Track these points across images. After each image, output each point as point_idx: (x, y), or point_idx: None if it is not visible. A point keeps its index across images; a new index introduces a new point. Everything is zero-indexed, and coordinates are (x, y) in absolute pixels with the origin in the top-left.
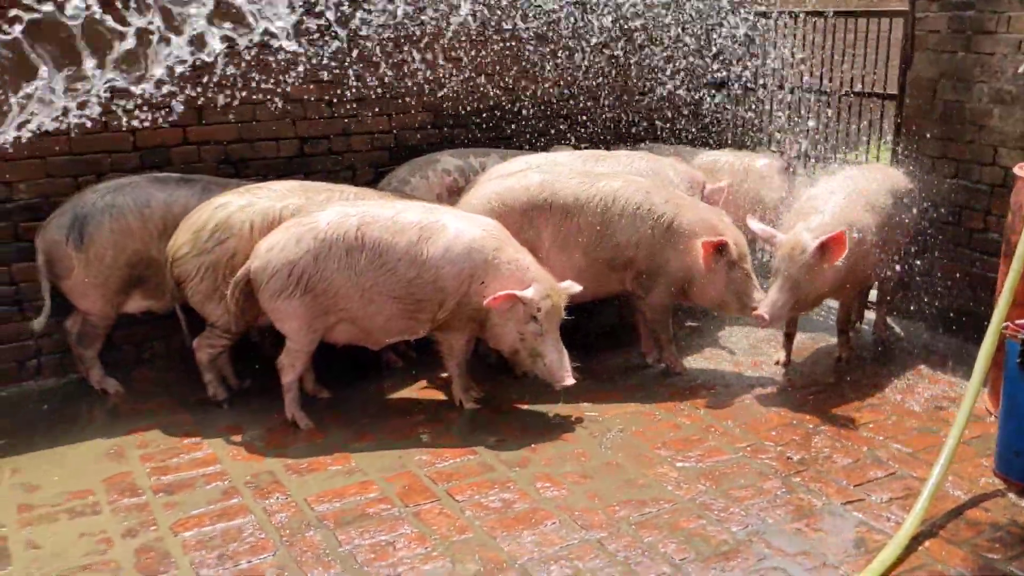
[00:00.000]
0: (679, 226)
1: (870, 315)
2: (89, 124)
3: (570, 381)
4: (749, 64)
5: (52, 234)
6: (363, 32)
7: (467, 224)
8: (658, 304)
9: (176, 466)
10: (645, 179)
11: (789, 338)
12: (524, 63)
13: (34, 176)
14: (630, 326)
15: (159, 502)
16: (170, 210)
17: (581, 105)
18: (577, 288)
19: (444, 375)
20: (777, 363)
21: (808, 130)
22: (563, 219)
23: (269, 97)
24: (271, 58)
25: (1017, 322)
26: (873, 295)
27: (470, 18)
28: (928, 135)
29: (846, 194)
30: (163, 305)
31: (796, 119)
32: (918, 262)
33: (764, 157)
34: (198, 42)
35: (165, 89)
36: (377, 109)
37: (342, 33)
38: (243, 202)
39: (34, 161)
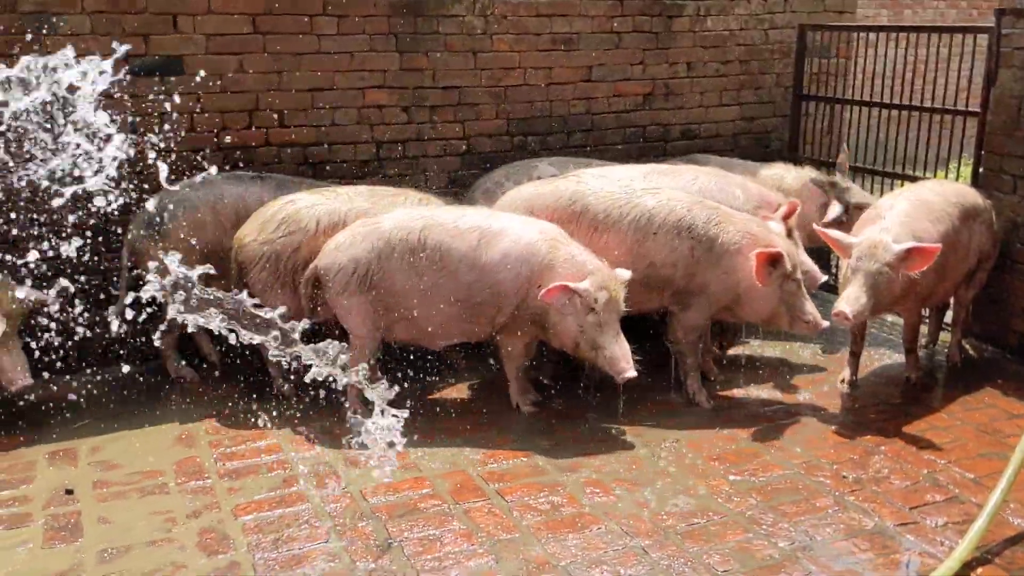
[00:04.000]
0: (724, 244)
1: (945, 336)
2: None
3: (632, 373)
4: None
5: (135, 228)
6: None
7: (524, 228)
8: (692, 324)
9: (241, 453)
10: (689, 195)
11: (855, 356)
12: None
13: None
14: None
15: (223, 486)
16: (242, 205)
17: None
18: (628, 274)
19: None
20: (842, 381)
21: (881, 146)
22: (592, 233)
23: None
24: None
25: None
26: (950, 316)
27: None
28: (1011, 153)
29: (911, 204)
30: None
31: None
32: (995, 283)
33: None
34: None
35: None
36: (450, 116)
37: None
38: (312, 200)
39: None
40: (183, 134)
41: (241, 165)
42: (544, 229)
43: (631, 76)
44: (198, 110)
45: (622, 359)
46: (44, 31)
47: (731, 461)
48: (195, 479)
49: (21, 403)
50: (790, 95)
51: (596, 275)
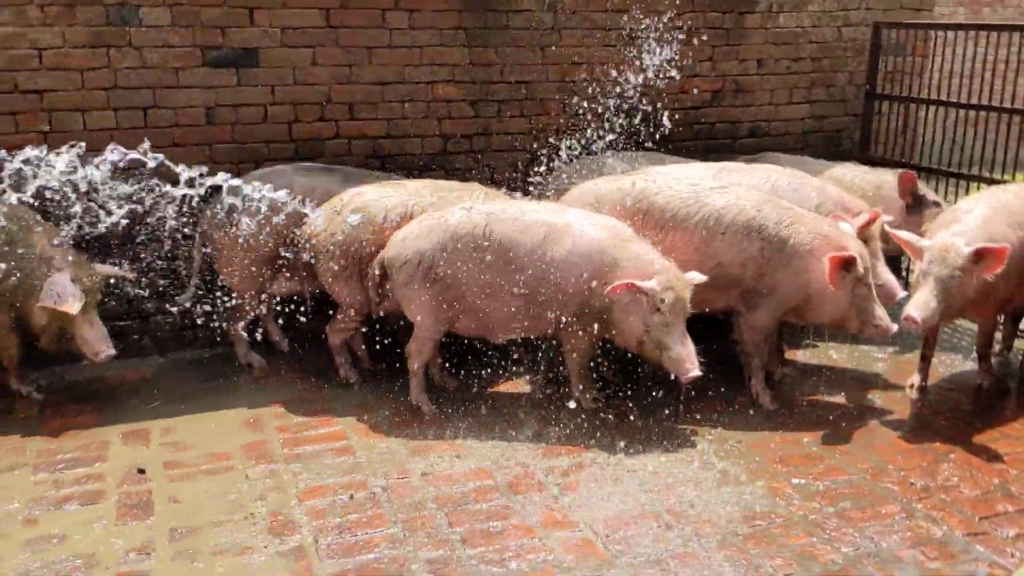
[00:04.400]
0: (795, 245)
1: (1020, 343)
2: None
3: (696, 373)
4: None
5: (209, 217)
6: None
7: (590, 225)
8: (760, 325)
9: (308, 439)
10: (760, 195)
11: (925, 360)
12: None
13: (199, 161)
14: None
15: (289, 470)
16: (311, 196)
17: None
18: (701, 278)
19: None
20: (911, 387)
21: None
22: (659, 231)
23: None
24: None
25: None
26: None
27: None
28: None
29: (990, 207)
30: (307, 288)
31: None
32: None
33: (893, 174)
34: None
35: None
36: (517, 111)
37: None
38: (380, 193)
39: (202, 148)
40: (257, 125)
41: (312, 157)
42: (610, 226)
43: (700, 72)
44: (271, 102)
45: (687, 360)
46: (128, 23)
47: (795, 464)
48: (262, 463)
49: (96, 384)
50: (863, 94)
51: (663, 274)
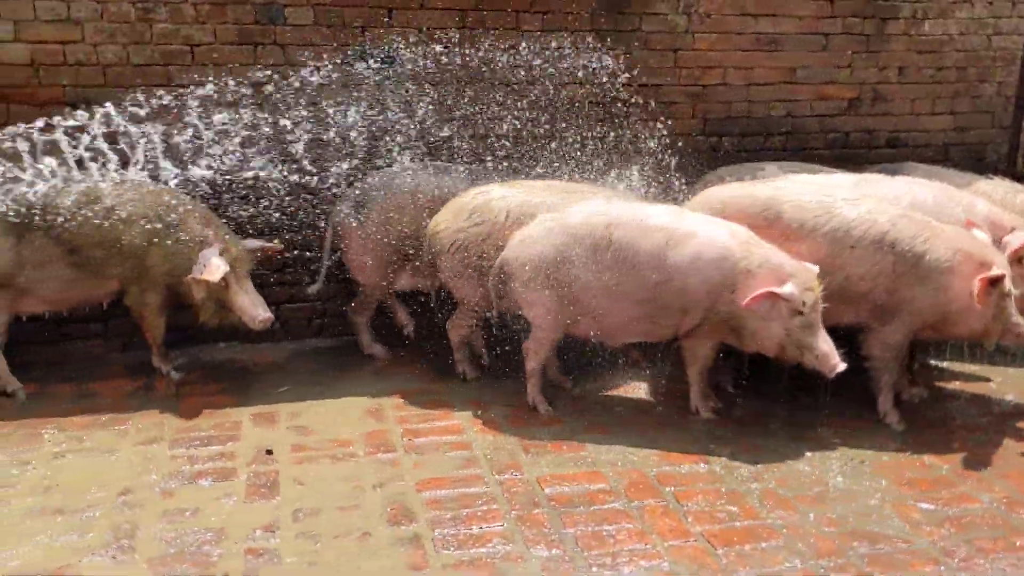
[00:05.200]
0: (932, 261)
1: None
2: None
3: (842, 367)
4: None
5: (340, 210)
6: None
7: (717, 231)
8: (892, 341)
9: (426, 431)
10: (896, 208)
11: None
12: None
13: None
14: None
15: (408, 460)
16: (439, 193)
17: None
18: (816, 269)
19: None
20: None
21: None
22: (784, 241)
23: None
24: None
25: None
26: None
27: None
28: None
29: None
30: (430, 284)
31: None
32: None
33: None
34: None
35: None
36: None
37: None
38: (504, 192)
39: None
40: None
41: (442, 155)
42: (736, 232)
43: (837, 79)
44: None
45: (832, 355)
46: (274, 21)
47: (923, 488)
48: (382, 451)
49: (230, 367)
50: (1012, 106)
51: (798, 277)
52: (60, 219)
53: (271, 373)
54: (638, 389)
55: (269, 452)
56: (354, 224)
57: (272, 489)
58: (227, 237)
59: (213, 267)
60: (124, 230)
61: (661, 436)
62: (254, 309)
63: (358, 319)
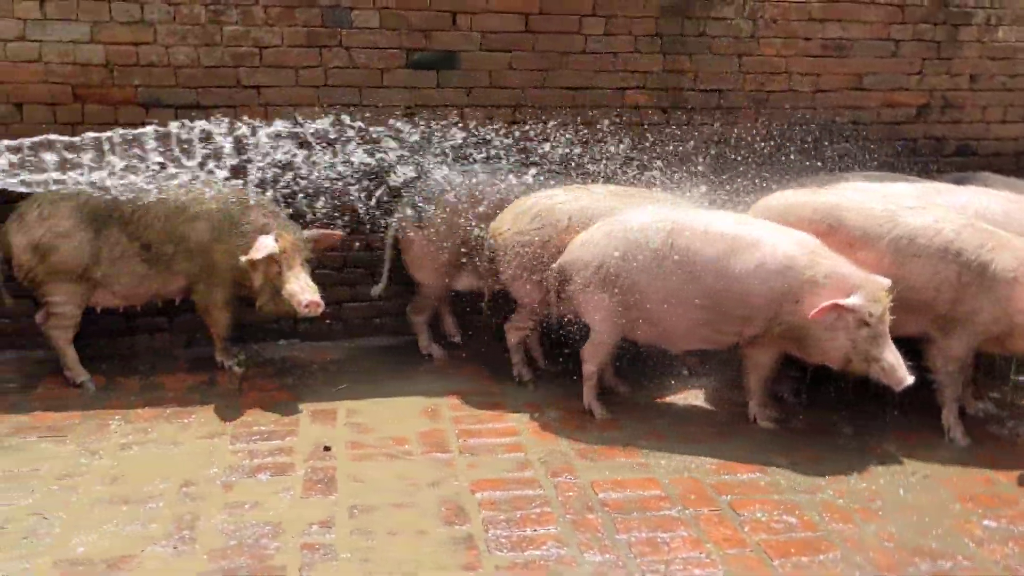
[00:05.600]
0: (998, 271)
1: None
2: None
3: (910, 380)
4: None
5: (401, 212)
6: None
7: (781, 239)
8: (955, 354)
9: (481, 432)
10: (962, 217)
11: None
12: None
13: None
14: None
15: (463, 461)
16: (499, 196)
17: None
18: (887, 281)
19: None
20: None
21: None
22: (846, 249)
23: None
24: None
25: None
26: None
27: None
28: None
29: None
30: (489, 286)
31: None
32: None
33: None
34: None
35: None
36: (709, 120)
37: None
38: (567, 197)
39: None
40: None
41: (502, 158)
42: (802, 241)
43: (906, 86)
44: (466, 104)
45: (899, 368)
46: (340, 24)
47: (987, 504)
48: (437, 451)
49: (290, 363)
50: None
51: (866, 287)
52: (133, 215)
53: (330, 371)
54: (696, 397)
55: (327, 448)
56: (414, 225)
57: (329, 485)
58: (286, 224)
59: (259, 246)
60: (191, 227)
61: (719, 445)
62: (301, 293)
63: (417, 319)
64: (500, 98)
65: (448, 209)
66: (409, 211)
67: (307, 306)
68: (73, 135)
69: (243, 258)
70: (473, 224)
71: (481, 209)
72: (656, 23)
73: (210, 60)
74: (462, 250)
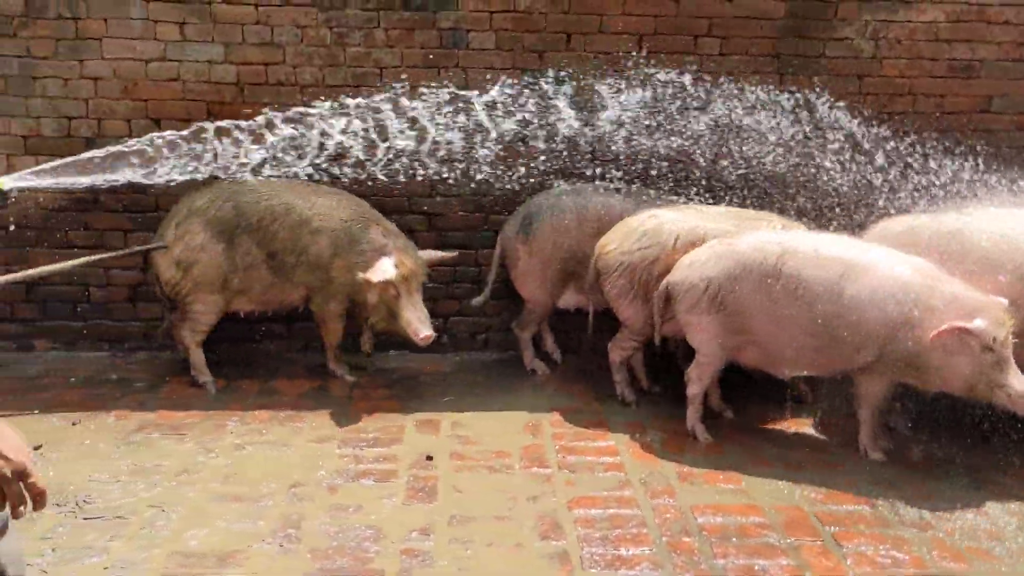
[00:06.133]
0: None
1: None
2: None
3: None
4: None
5: (508, 228)
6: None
7: (897, 263)
8: None
9: (581, 449)
10: None
11: None
12: None
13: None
14: None
15: (561, 477)
16: (606, 214)
17: None
18: (1004, 301)
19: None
20: None
21: None
22: (969, 276)
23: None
24: None
25: None
26: None
27: None
28: None
29: None
30: (593, 303)
31: None
32: None
33: None
34: None
35: None
36: None
37: None
38: (676, 217)
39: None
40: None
41: (614, 177)
42: (919, 266)
43: None
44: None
45: None
46: (457, 45)
47: None
48: (537, 466)
49: (399, 374)
50: None
51: (989, 310)
52: (260, 223)
53: (437, 382)
54: (805, 424)
55: (430, 458)
56: (521, 241)
57: (430, 493)
58: (405, 247)
59: (383, 268)
60: (313, 241)
61: (825, 474)
62: (418, 324)
63: (522, 335)
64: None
65: (554, 225)
66: (515, 225)
67: (422, 339)
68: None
69: (360, 276)
70: (581, 241)
71: (588, 227)
72: (774, 44)
73: (333, 80)
74: (568, 267)
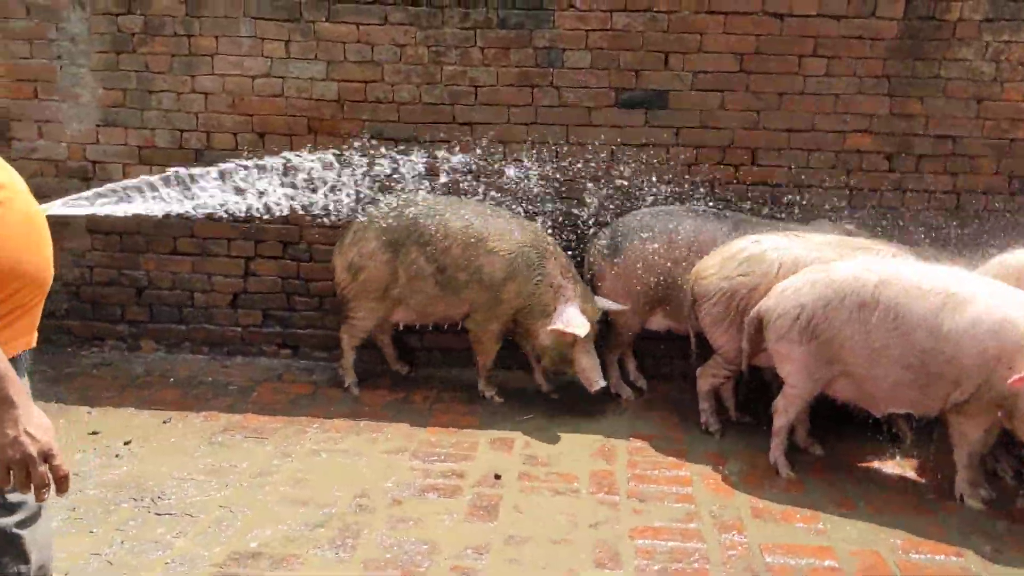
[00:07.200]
0: None
1: None
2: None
3: None
4: None
5: (596, 248)
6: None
7: (1001, 298)
8: None
9: (653, 478)
10: None
11: None
12: None
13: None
14: None
15: (628, 505)
16: (697, 238)
17: None
18: None
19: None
20: None
21: None
22: None
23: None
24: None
25: None
26: None
27: None
28: None
29: None
30: (684, 327)
31: None
32: None
33: None
34: None
35: None
36: (940, 168)
37: None
38: (778, 244)
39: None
40: (657, 165)
41: (707, 200)
42: None
43: None
44: (673, 143)
45: None
46: (552, 64)
47: None
48: (604, 492)
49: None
50: None
51: None
52: (433, 238)
53: (518, 400)
54: (899, 464)
55: (497, 477)
56: (607, 262)
57: (491, 512)
58: (584, 294)
59: (579, 323)
60: (487, 260)
61: (913, 520)
62: (594, 373)
63: (609, 356)
64: (709, 139)
65: (642, 247)
66: (604, 243)
67: (595, 390)
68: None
69: (550, 327)
70: (671, 263)
71: (678, 250)
72: (883, 64)
73: (430, 97)
74: (657, 290)
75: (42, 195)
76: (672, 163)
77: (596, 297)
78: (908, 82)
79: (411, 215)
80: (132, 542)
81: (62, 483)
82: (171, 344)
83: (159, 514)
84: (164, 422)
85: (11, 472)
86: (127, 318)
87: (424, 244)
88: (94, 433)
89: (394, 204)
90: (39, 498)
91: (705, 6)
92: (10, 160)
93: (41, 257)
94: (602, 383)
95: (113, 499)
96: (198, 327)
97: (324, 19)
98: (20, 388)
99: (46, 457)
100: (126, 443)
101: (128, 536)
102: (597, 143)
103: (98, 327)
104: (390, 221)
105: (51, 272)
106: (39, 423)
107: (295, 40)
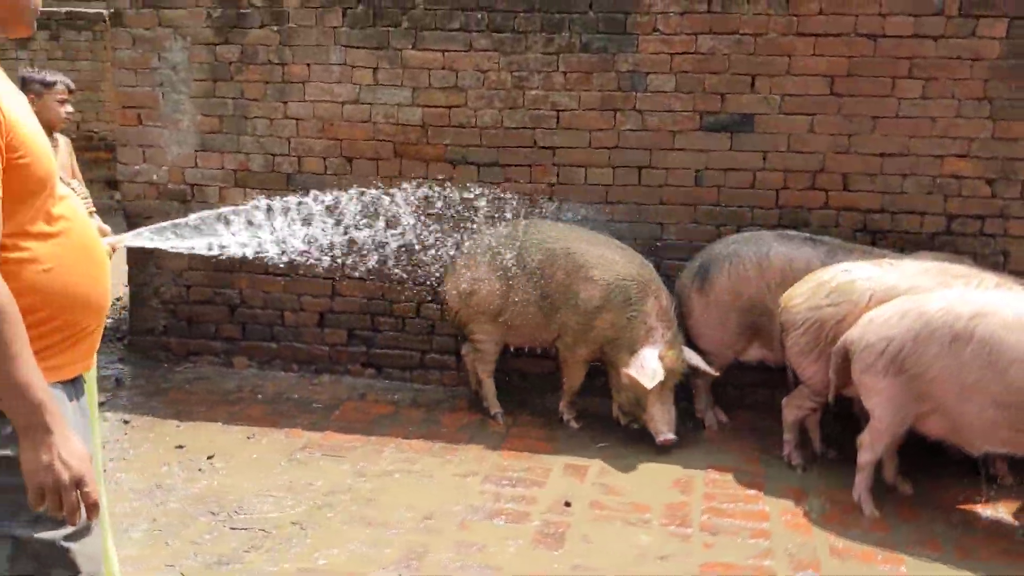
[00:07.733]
0: None
1: None
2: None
3: None
4: None
5: (684, 276)
6: None
7: None
8: None
9: (729, 512)
10: None
11: None
12: None
13: (683, 220)
14: None
15: (700, 539)
16: (790, 265)
17: None
18: None
19: None
20: None
21: None
22: None
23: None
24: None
25: None
26: None
27: None
28: None
29: None
30: (778, 358)
31: None
32: None
33: None
34: None
35: None
36: None
37: None
38: (871, 273)
39: (686, 207)
40: (744, 190)
41: (795, 225)
42: None
43: None
44: (760, 168)
45: None
46: (635, 88)
47: None
48: (677, 524)
49: (559, 415)
50: None
51: None
52: (539, 265)
53: (596, 427)
54: (996, 508)
55: (568, 504)
56: (696, 291)
57: (558, 540)
58: (673, 341)
59: (649, 373)
60: (584, 287)
61: (1003, 566)
62: (661, 425)
63: (697, 382)
64: (797, 163)
65: (732, 275)
66: (691, 276)
67: (661, 442)
68: (390, 188)
69: (624, 371)
70: (760, 293)
71: (771, 277)
72: (984, 85)
73: (511, 122)
74: (749, 319)
75: (145, 216)
76: (759, 188)
77: (686, 349)
78: (1011, 104)
79: (522, 241)
80: (205, 555)
81: (92, 510)
82: (263, 361)
83: (234, 528)
84: (248, 438)
85: (44, 496)
86: (221, 335)
87: (532, 271)
88: (180, 447)
89: (503, 231)
90: (71, 521)
91: (793, 28)
92: (116, 183)
93: (99, 284)
94: (670, 436)
95: (192, 512)
96: (288, 345)
97: (411, 46)
98: (59, 416)
99: (78, 484)
100: (209, 458)
101: (202, 549)
102: (681, 168)
103: (193, 344)
104: (501, 247)
105: (108, 299)
106: (74, 450)
107: (383, 67)
